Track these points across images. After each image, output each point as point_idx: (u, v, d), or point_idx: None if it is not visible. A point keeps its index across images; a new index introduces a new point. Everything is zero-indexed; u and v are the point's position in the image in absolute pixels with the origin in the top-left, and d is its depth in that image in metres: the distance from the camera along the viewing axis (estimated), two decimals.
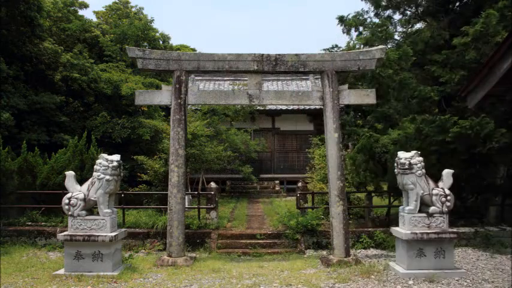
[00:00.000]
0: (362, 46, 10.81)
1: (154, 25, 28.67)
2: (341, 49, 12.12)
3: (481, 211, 9.92)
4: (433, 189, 6.63)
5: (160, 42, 22.39)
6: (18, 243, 8.72)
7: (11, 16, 13.02)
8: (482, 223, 9.34)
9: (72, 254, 6.52)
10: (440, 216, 6.57)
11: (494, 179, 10.04)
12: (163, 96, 7.95)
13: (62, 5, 17.86)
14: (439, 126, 8.76)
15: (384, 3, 11.95)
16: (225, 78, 19.16)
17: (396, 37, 12.14)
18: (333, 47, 12.53)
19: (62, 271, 6.51)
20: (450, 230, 6.67)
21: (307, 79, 19.21)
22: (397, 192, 9.49)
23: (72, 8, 18.86)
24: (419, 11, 11.97)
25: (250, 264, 7.35)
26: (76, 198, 6.62)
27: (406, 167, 6.56)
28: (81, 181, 7.18)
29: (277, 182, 17.94)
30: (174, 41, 30.89)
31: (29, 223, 9.41)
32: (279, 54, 7.90)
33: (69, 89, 15.19)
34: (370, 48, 8.27)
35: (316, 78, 18.06)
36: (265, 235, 8.91)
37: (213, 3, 74.43)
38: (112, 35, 19.20)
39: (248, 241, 8.70)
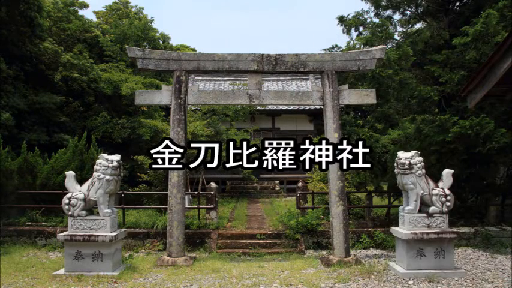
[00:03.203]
0: (362, 46, 10.79)
1: (154, 25, 28.69)
2: (341, 49, 12.10)
3: (481, 211, 9.93)
4: (433, 189, 6.63)
5: (160, 42, 22.42)
6: (18, 243, 8.72)
7: (11, 16, 13.01)
8: (482, 223, 9.34)
9: (72, 254, 6.52)
10: (440, 216, 6.57)
11: (494, 179, 10.05)
12: (163, 96, 7.95)
13: (62, 5, 17.85)
14: (439, 126, 8.77)
15: (383, 3, 11.95)
16: (225, 78, 19.16)
17: (396, 37, 12.15)
18: (333, 47, 12.52)
19: (62, 271, 6.51)
20: (450, 230, 6.67)
21: (307, 79, 19.21)
22: (397, 192, 9.52)
23: (72, 8, 18.86)
24: (419, 11, 11.97)
25: (250, 264, 7.34)
26: (76, 198, 6.62)
27: (406, 167, 6.56)
28: (81, 181, 7.18)
29: (277, 182, 17.95)
30: (174, 41, 30.90)
31: (29, 223, 9.41)
32: (279, 54, 7.90)
33: (69, 89, 15.18)
34: (370, 48, 8.27)
35: (316, 78, 18.06)
36: (265, 235, 8.91)
37: (213, 3, 74.45)
38: (112, 35, 19.21)
39: (248, 241, 8.70)
